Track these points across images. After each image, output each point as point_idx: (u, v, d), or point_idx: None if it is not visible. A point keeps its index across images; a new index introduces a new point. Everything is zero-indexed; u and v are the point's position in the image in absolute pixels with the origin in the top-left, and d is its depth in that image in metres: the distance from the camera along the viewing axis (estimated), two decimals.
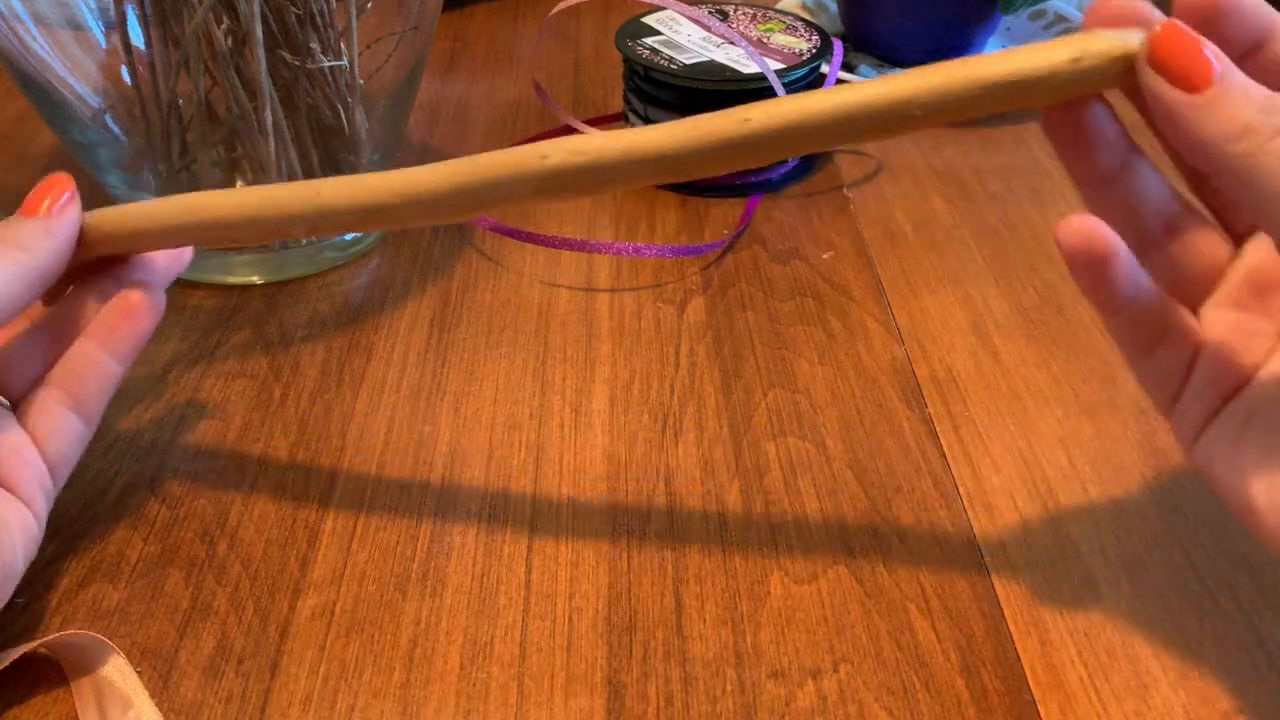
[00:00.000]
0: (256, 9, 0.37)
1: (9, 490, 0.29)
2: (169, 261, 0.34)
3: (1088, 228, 0.25)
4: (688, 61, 0.49)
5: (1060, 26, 0.64)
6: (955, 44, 0.62)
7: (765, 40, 0.52)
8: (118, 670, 0.28)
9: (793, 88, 0.49)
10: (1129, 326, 0.27)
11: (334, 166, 0.43)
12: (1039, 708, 0.28)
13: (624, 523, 0.34)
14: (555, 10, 0.55)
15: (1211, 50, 0.22)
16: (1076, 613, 0.31)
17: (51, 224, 0.30)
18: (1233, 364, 0.26)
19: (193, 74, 0.38)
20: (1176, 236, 0.26)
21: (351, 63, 0.40)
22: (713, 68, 0.49)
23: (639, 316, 0.43)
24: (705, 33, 0.52)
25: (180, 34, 0.37)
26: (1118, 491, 0.35)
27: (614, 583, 0.32)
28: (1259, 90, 0.22)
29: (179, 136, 0.41)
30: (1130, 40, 0.23)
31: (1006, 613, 0.31)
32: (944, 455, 0.36)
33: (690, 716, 0.28)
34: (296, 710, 0.28)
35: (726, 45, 0.51)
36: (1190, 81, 0.22)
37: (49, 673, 0.29)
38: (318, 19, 0.38)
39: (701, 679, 0.29)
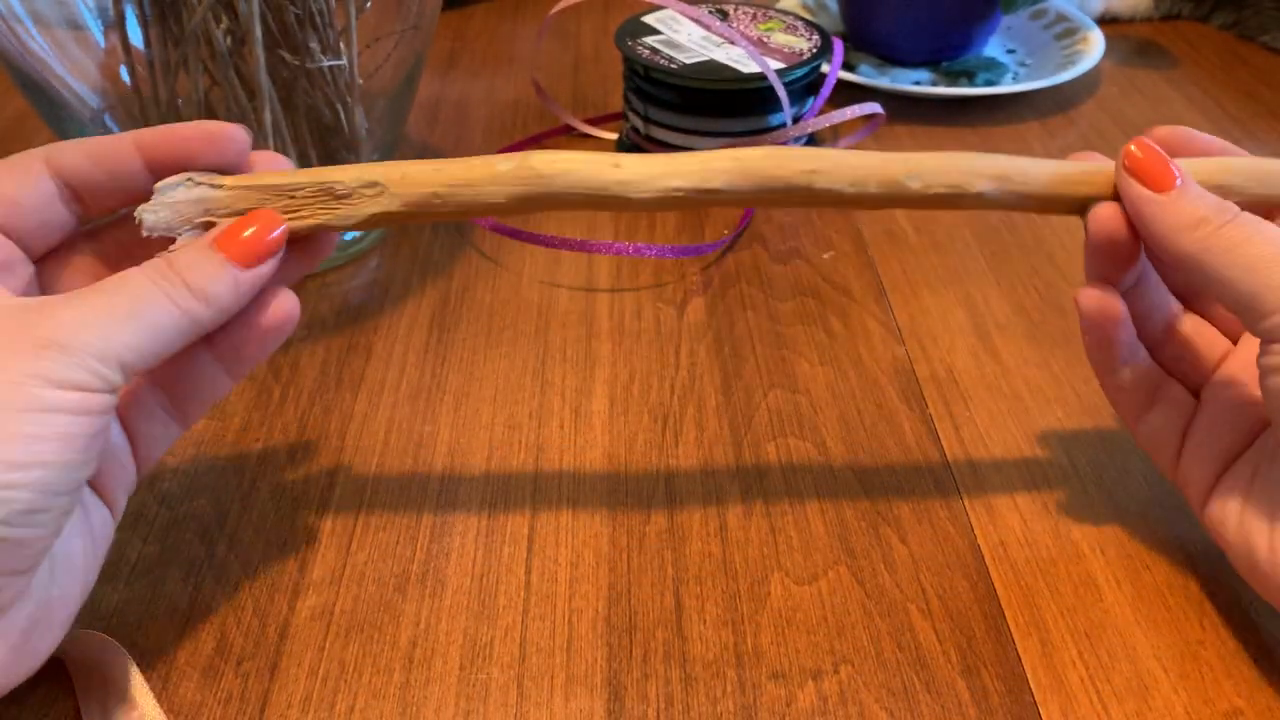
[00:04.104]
0: (255, 8, 0.36)
1: (99, 493, 0.27)
2: (307, 258, 0.29)
3: (1103, 295, 0.29)
4: (688, 61, 0.49)
5: (1061, 26, 0.64)
6: (956, 43, 0.61)
7: (765, 39, 0.51)
8: (122, 670, 0.28)
9: (793, 87, 0.49)
10: (1125, 389, 0.31)
11: None
12: (1040, 709, 0.28)
13: (624, 523, 0.34)
14: (555, 10, 0.55)
15: (1175, 165, 0.28)
16: (1077, 613, 0.31)
17: (242, 279, 0.26)
18: (1233, 426, 0.30)
19: (192, 74, 0.38)
20: (1174, 334, 0.31)
21: (351, 62, 0.40)
22: (713, 67, 0.49)
23: (639, 317, 0.43)
24: (705, 32, 0.52)
25: (179, 33, 0.37)
26: (1119, 492, 0.35)
27: (614, 583, 0.32)
28: (1212, 196, 0.27)
29: None
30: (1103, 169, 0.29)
31: (1007, 613, 0.31)
32: (945, 455, 0.36)
33: (690, 718, 0.28)
34: (296, 711, 0.28)
35: (726, 45, 0.51)
36: (1158, 183, 0.27)
37: (52, 671, 0.29)
38: (317, 18, 0.38)
39: (702, 680, 0.29)
